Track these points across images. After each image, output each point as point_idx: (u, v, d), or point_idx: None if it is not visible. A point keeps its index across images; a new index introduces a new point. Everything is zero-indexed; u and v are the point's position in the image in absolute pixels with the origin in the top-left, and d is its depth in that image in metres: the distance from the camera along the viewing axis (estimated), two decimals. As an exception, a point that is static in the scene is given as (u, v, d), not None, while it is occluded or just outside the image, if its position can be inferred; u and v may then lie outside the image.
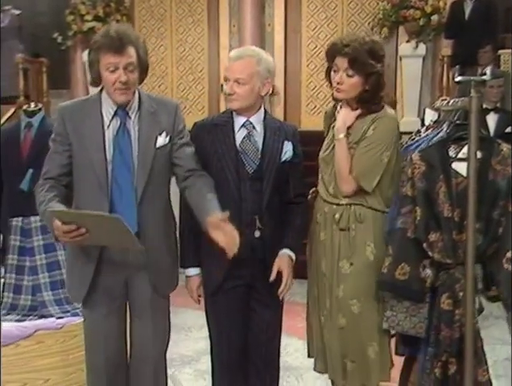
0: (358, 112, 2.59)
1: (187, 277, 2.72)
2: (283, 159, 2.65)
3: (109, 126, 2.49)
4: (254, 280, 2.66)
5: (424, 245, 2.49)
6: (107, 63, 2.40)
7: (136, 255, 2.50)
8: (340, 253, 2.60)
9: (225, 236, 2.33)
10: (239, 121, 2.65)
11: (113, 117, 2.50)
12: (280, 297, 2.67)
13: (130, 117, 2.51)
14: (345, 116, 2.60)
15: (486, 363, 2.53)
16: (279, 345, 2.84)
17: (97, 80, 2.49)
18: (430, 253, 2.49)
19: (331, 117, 2.73)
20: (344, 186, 2.58)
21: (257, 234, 2.61)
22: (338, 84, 2.58)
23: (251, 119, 2.65)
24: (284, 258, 2.64)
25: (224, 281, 2.64)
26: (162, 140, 2.53)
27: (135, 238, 2.35)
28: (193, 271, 2.68)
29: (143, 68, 2.49)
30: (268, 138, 2.64)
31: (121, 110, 2.50)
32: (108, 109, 2.50)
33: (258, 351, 2.74)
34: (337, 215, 2.60)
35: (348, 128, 2.60)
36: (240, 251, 2.51)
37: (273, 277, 2.61)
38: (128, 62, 2.41)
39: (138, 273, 2.56)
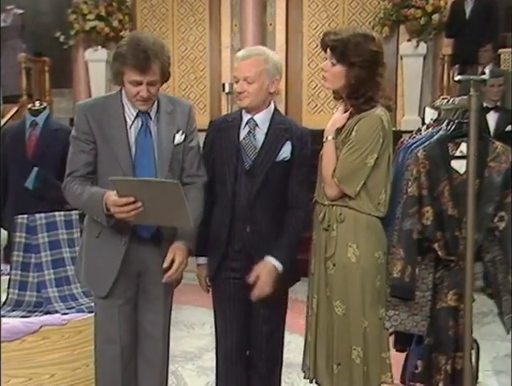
0: (348, 113, 2.58)
1: (197, 264, 2.81)
2: (279, 159, 2.68)
3: (131, 126, 2.59)
4: (248, 273, 2.69)
5: (435, 245, 2.51)
6: (131, 80, 2.48)
7: (151, 247, 2.62)
8: (325, 253, 2.60)
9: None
10: (245, 118, 2.72)
11: (135, 118, 2.59)
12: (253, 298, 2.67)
13: (150, 118, 2.61)
14: (336, 118, 2.61)
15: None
16: (282, 340, 2.87)
17: (118, 83, 2.57)
18: (439, 252, 2.50)
19: None
20: (327, 190, 2.57)
21: (248, 229, 2.66)
22: (323, 70, 2.61)
23: (255, 117, 2.70)
24: (266, 265, 2.64)
25: (218, 272, 2.73)
26: (178, 137, 2.64)
27: (188, 211, 2.39)
28: (202, 260, 2.78)
29: (165, 79, 2.57)
30: (269, 137, 2.69)
31: (142, 112, 2.59)
32: (130, 110, 2.59)
33: (258, 345, 2.78)
34: (321, 215, 2.61)
35: (340, 129, 2.60)
36: (232, 245, 2.68)
37: (252, 279, 2.62)
38: (151, 80, 2.49)
39: (151, 265, 2.64)
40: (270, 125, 2.71)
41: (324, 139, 2.61)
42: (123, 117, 2.58)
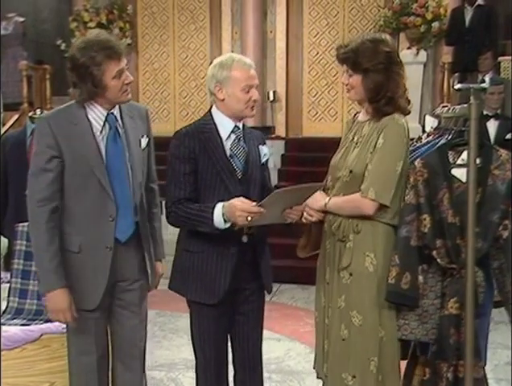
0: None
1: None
2: (263, 161, 2.74)
3: (101, 131, 2.55)
4: (243, 283, 2.69)
5: (434, 253, 2.51)
6: (116, 71, 2.48)
7: (128, 253, 2.62)
8: (340, 263, 2.58)
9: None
10: (226, 126, 2.68)
11: (104, 123, 2.56)
12: None
13: (117, 120, 2.59)
14: (316, 196, 2.63)
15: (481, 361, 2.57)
16: (262, 346, 2.86)
17: (97, 93, 2.50)
18: (439, 260, 2.50)
19: (348, 127, 2.76)
20: (366, 211, 2.52)
21: (244, 239, 2.64)
22: (344, 84, 2.65)
23: (238, 124, 2.70)
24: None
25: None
26: (144, 141, 2.66)
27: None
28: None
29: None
30: (247, 143, 2.71)
31: (111, 115, 2.57)
32: (97, 115, 2.55)
33: (244, 352, 2.78)
34: (335, 226, 2.60)
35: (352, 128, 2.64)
36: (233, 257, 2.63)
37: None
38: (125, 63, 2.54)
39: (128, 272, 2.64)
40: (242, 131, 2.73)
41: (323, 207, 2.60)
42: (89, 123, 2.53)
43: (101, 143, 2.54)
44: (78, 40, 2.56)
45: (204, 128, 2.68)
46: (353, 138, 2.65)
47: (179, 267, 2.72)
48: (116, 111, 2.59)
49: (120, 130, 2.59)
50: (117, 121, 2.59)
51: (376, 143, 2.53)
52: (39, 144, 2.53)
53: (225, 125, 2.68)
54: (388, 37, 2.65)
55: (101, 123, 2.55)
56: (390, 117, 2.54)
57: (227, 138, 2.67)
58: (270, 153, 2.83)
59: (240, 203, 2.46)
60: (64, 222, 2.54)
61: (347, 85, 2.62)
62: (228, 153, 2.65)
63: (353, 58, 2.55)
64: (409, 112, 2.62)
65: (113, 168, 2.54)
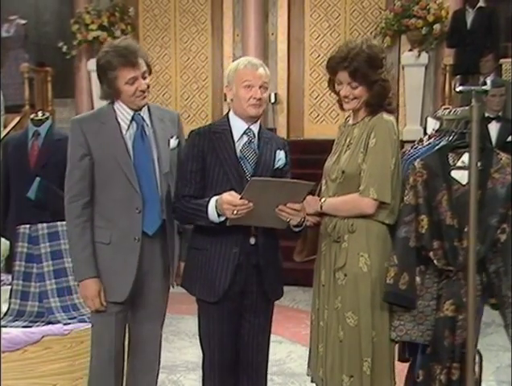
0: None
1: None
2: (276, 166, 2.72)
3: (127, 130, 2.69)
4: (248, 285, 2.69)
5: (431, 254, 2.51)
6: (128, 78, 2.62)
7: (154, 251, 2.73)
8: (335, 264, 2.59)
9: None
10: (239, 128, 2.70)
11: (130, 122, 2.70)
12: None
13: (144, 120, 2.72)
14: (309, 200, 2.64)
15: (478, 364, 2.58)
16: (268, 351, 2.85)
17: (113, 94, 2.67)
18: (435, 261, 2.50)
19: (340, 131, 2.77)
20: (368, 211, 2.53)
21: (252, 241, 2.65)
22: (345, 97, 2.61)
23: (252, 127, 2.71)
24: None
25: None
26: (173, 142, 2.77)
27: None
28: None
29: (150, 71, 2.74)
30: (262, 147, 2.71)
31: (137, 115, 2.71)
32: (125, 115, 2.70)
33: (248, 358, 2.76)
34: (331, 226, 2.61)
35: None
36: (235, 257, 2.64)
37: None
38: (143, 71, 2.66)
39: (153, 269, 2.75)
40: (258, 135, 2.73)
41: (319, 209, 2.62)
42: (117, 124, 2.68)
43: (129, 141, 2.68)
44: (108, 42, 2.78)
45: (218, 128, 2.74)
46: (345, 141, 2.66)
47: (187, 264, 2.77)
48: (145, 114, 2.73)
49: (147, 130, 2.72)
50: (144, 121, 2.72)
51: (366, 143, 2.55)
52: (71, 144, 2.70)
53: (238, 127, 2.71)
54: (375, 40, 2.69)
55: (128, 122, 2.69)
56: (378, 117, 2.57)
57: (239, 140, 2.69)
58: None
59: (227, 196, 2.50)
60: (96, 215, 2.69)
61: (346, 97, 2.60)
62: (238, 154, 2.67)
63: (360, 70, 2.54)
64: (395, 111, 2.65)
65: (140, 165, 2.68)
